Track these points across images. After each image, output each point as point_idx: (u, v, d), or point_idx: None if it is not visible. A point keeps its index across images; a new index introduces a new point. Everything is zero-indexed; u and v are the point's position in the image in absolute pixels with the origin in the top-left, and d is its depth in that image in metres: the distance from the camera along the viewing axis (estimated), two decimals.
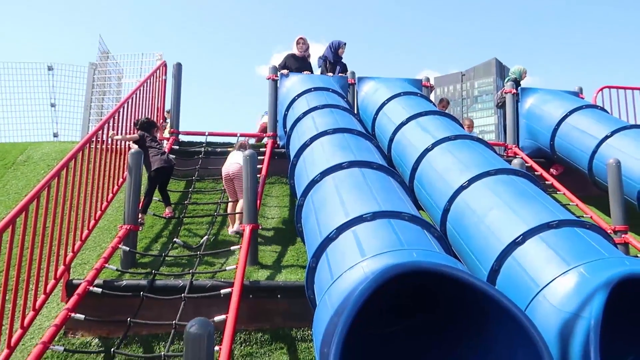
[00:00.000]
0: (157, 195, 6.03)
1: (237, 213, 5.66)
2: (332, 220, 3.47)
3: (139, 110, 6.67)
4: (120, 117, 5.93)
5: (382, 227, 3.19)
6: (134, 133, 6.09)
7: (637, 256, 5.10)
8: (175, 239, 5.20)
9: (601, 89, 8.33)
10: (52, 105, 9.47)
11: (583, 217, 5.75)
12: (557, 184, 6.78)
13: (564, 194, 6.58)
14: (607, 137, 6.38)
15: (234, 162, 5.89)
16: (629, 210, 5.68)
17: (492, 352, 2.82)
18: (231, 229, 5.67)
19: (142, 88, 6.71)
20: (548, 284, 3.04)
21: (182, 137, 7.79)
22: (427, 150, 5.23)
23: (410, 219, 3.32)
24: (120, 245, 4.63)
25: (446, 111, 7.76)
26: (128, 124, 6.20)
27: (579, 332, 2.60)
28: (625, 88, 8.36)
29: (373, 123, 7.06)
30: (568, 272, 3.01)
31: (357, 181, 3.92)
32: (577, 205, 6.28)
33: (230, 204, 5.87)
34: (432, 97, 8.28)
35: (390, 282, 2.61)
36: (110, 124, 5.45)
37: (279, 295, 4.50)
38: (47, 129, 9.61)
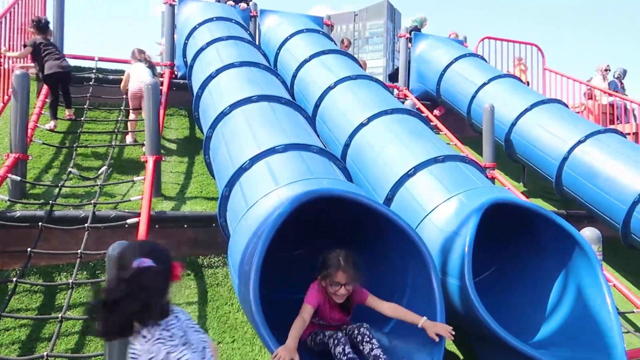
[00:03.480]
0: (43, 122, 5.64)
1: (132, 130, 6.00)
2: (244, 151, 3.60)
3: (13, 28, 6.00)
4: None
5: (293, 158, 3.41)
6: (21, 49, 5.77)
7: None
8: (70, 169, 4.96)
9: (482, 39, 9.12)
10: None
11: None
12: (440, 125, 7.47)
13: (445, 134, 7.29)
14: (484, 84, 7.13)
15: (141, 80, 5.95)
16: (498, 150, 6.52)
17: (387, 265, 3.27)
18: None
19: (18, 1, 6.00)
20: (434, 209, 3.54)
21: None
22: (330, 88, 5.47)
23: (319, 151, 3.58)
24: (9, 175, 4.33)
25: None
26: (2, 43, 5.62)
27: (457, 247, 3.12)
28: (502, 40, 9.23)
29: (275, 58, 7.09)
30: (450, 199, 3.52)
31: (267, 115, 4.06)
32: (455, 144, 7.03)
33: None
34: (332, 35, 8.45)
35: (298, 209, 2.87)
36: None
37: (185, 225, 4.60)
38: None
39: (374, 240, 3.45)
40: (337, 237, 3.76)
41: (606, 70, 10.24)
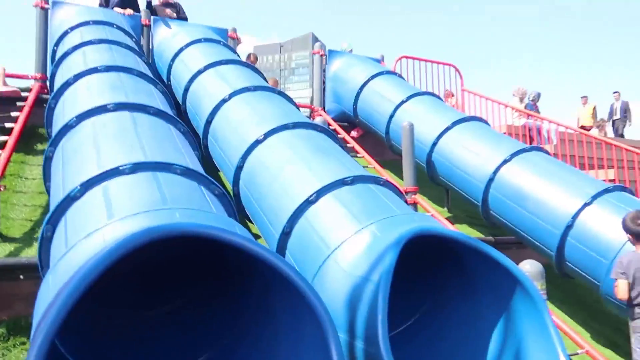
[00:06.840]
0: None
1: None
2: (79, 174, 2.61)
3: None
4: None
5: (144, 181, 2.46)
6: None
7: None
8: None
9: (400, 58, 8.71)
10: None
11: None
12: (357, 147, 6.81)
13: (364, 157, 6.64)
14: (402, 102, 6.57)
15: None
16: (420, 173, 5.92)
17: (276, 323, 2.39)
18: None
19: None
20: (339, 245, 2.71)
21: None
22: (224, 100, 4.59)
23: (184, 172, 2.66)
24: None
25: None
26: None
27: (367, 298, 2.29)
28: (420, 59, 8.89)
29: (169, 71, 6.13)
30: (360, 231, 2.71)
31: (124, 127, 3.09)
32: (374, 168, 6.38)
33: None
34: (257, 66, 7.64)
35: (146, 250, 1.94)
36: None
37: (21, 276, 3.46)
38: None
39: (261, 288, 2.55)
40: (216, 284, 2.85)
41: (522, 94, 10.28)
